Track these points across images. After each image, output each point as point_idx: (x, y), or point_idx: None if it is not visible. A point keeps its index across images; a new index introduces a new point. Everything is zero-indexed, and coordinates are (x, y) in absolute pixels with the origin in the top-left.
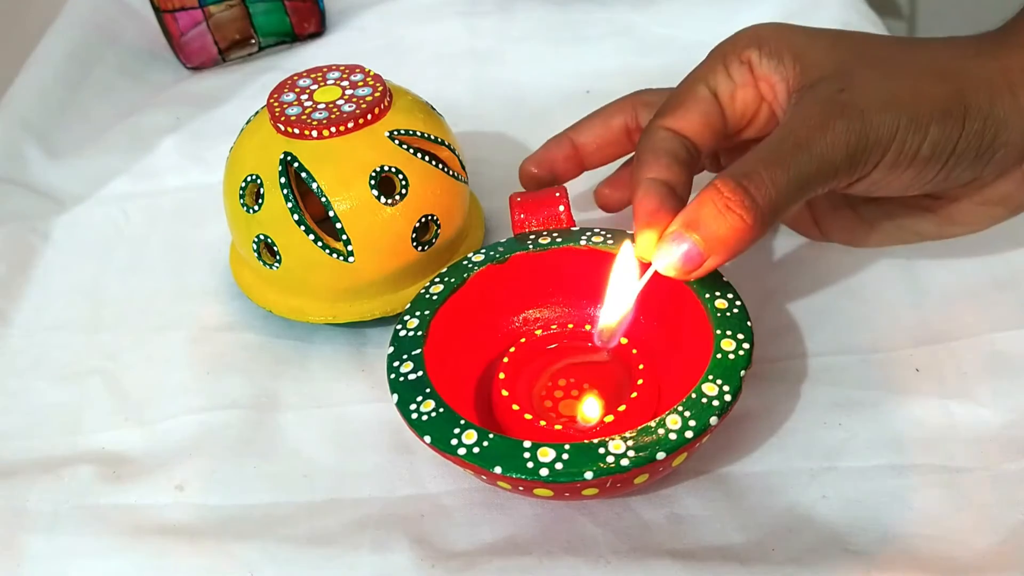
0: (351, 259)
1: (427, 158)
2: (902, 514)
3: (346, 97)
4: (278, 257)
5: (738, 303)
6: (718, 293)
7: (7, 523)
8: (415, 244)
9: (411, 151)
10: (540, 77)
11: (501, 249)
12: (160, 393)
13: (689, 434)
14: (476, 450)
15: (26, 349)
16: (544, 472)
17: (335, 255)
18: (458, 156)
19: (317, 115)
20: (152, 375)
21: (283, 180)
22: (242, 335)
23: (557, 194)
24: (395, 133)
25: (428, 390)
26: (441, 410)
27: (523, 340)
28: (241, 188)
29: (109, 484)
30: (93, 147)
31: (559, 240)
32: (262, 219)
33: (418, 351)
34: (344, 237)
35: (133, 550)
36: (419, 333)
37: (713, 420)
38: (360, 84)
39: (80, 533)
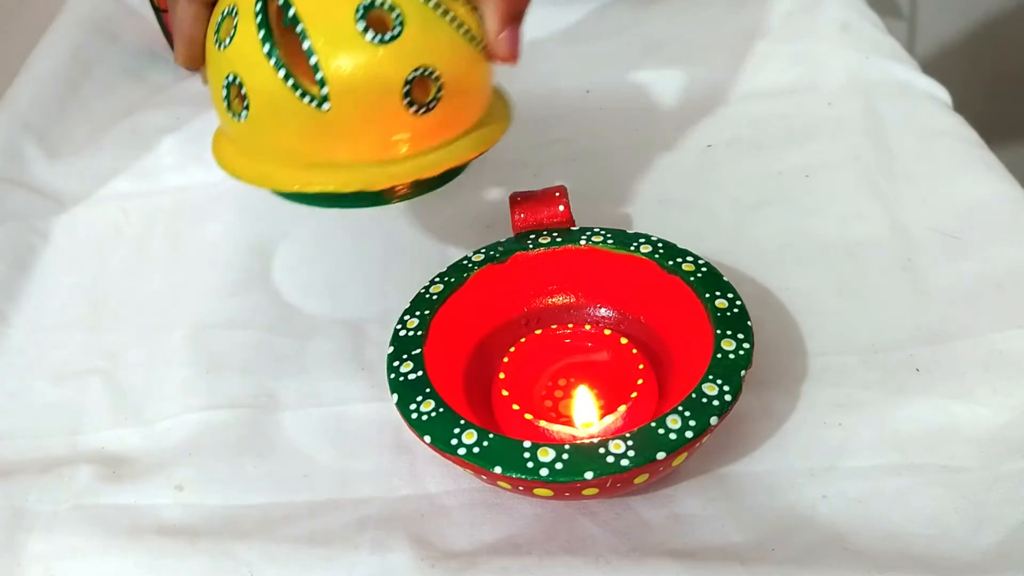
0: (325, 106)
1: (432, 4)
2: (902, 514)
3: None
4: (246, 103)
5: (738, 303)
6: (718, 293)
7: (6, 522)
8: (408, 103)
9: None
10: (540, 77)
11: (501, 249)
12: (159, 392)
13: (689, 434)
14: (476, 450)
15: (25, 349)
16: (544, 472)
17: (307, 99)
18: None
19: None
20: (151, 374)
21: (258, 6)
22: (241, 334)
23: (557, 194)
24: None
25: (428, 390)
26: (441, 410)
27: (523, 340)
28: (218, 24)
29: (108, 484)
30: (93, 147)
31: (559, 240)
32: (232, 55)
33: (418, 351)
34: (319, 75)
35: (132, 550)
36: (419, 333)
37: (713, 420)
38: None
39: (79, 533)
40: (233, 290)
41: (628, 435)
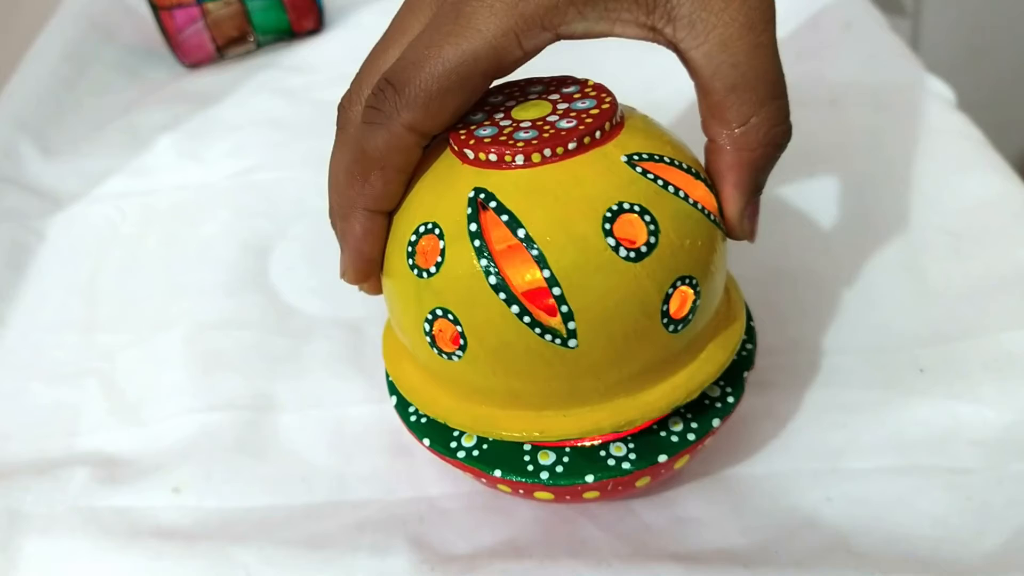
0: (572, 343)
1: (681, 195)
2: (906, 515)
3: (560, 112)
4: (462, 343)
5: None
6: None
7: (2, 525)
8: (665, 323)
9: (659, 183)
10: (540, 74)
11: None
12: (156, 393)
13: (691, 436)
14: (475, 453)
15: (21, 349)
16: (544, 475)
17: (549, 336)
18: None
19: (522, 135)
20: (148, 375)
21: (473, 228)
22: (238, 334)
23: None
24: (636, 158)
25: None
26: None
27: None
28: (410, 242)
29: (105, 486)
30: (89, 145)
31: None
32: (440, 287)
33: None
34: (564, 309)
35: (129, 552)
36: None
37: (716, 422)
38: (577, 96)
39: (76, 535)
40: (230, 290)
41: (629, 437)
